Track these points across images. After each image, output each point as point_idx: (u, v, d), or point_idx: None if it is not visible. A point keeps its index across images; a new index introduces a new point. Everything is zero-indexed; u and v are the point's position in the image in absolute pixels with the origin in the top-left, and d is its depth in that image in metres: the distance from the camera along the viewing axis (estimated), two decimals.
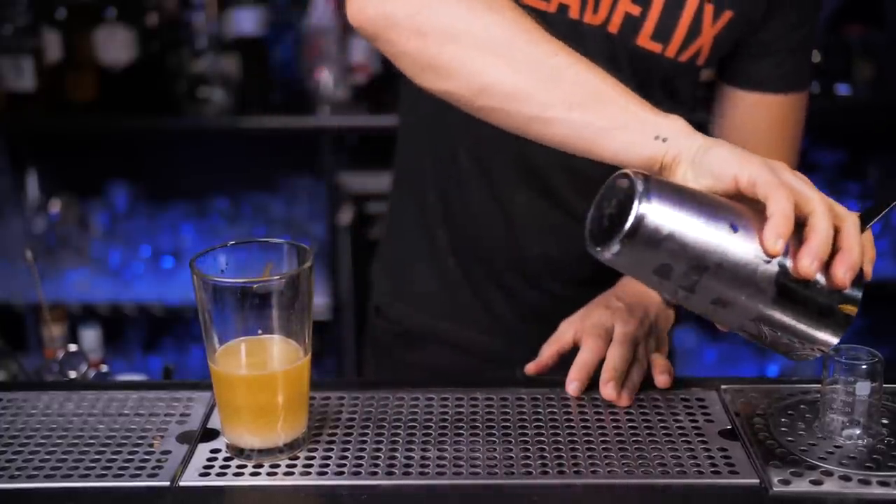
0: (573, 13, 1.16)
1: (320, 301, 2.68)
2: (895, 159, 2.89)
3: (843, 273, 0.83)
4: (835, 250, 0.83)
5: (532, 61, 0.95)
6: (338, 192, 2.69)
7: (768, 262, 0.82)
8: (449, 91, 1.00)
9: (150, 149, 3.05)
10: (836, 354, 0.93)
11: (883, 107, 2.79)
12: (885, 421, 0.95)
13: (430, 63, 0.99)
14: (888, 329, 2.75)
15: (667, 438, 0.95)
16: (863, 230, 0.86)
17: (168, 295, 2.80)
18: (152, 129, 2.85)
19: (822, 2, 1.31)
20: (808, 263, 0.82)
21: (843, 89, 2.75)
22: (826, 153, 2.89)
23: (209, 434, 0.96)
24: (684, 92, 1.25)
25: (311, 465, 0.91)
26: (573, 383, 1.04)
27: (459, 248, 1.37)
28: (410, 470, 0.90)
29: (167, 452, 0.93)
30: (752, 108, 1.25)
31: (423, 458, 0.92)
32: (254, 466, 0.91)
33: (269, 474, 0.90)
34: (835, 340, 0.87)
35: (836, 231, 0.84)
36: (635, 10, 1.17)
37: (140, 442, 0.95)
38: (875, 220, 0.87)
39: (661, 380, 1.05)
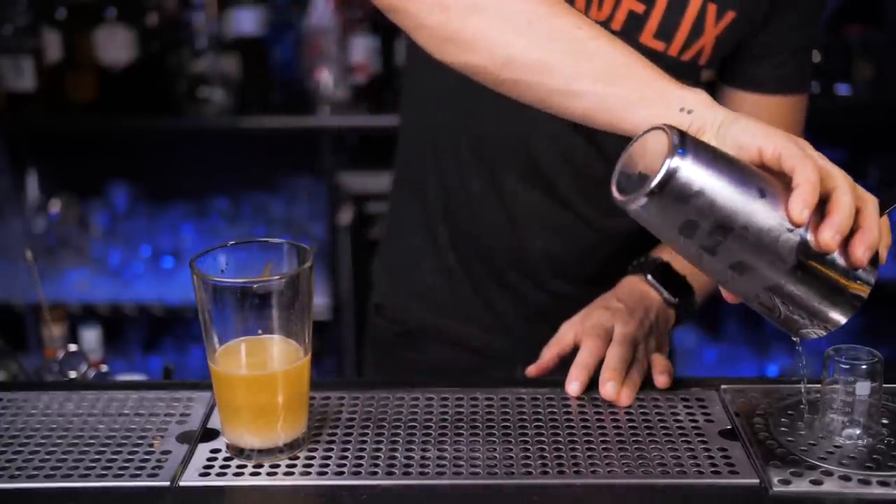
0: (577, 9, 1.16)
1: (320, 301, 2.68)
2: (895, 159, 2.89)
3: (861, 252, 0.83)
4: (854, 229, 0.83)
5: (557, 34, 0.94)
6: (338, 192, 2.69)
7: (791, 231, 0.82)
8: (471, 64, 0.98)
9: (150, 149, 3.05)
10: (836, 354, 0.93)
11: (883, 107, 2.79)
12: (885, 421, 0.95)
13: (453, 36, 0.98)
14: (888, 329, 2.75)
15: (667, 438, 0.95)
16: (880, 216, 0.86)
17: (168, 295, 2.80)
18: (152, 129, 2.85)
19: (825, 3, 1.31)
20: (829, 237, 0.82)
21: (843, 89, 2.75)
22: (826, 153, 2.86)
23: (209, 434, 0.96)
24: None
25: (311, 465, 0.91)
26: (573, 383, 1.04)
27: (460, 245, 1.37)
28: (410, 470, 0.90)
29: (167, 452, 0.93)
30: (753, 109, 1.25)
31: (423, 458, 0.92)
32: (254, 466, 0.91)
33: (269, 474, 0.90)
34: (843, 320, 0.87)
35: (857, 211, 0.84)
36: (639, 8, 1.17)
37: (140, 442, 0.95)
38: (894, 206, 0.87)
39: (661, 380, 1.05)
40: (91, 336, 2.36)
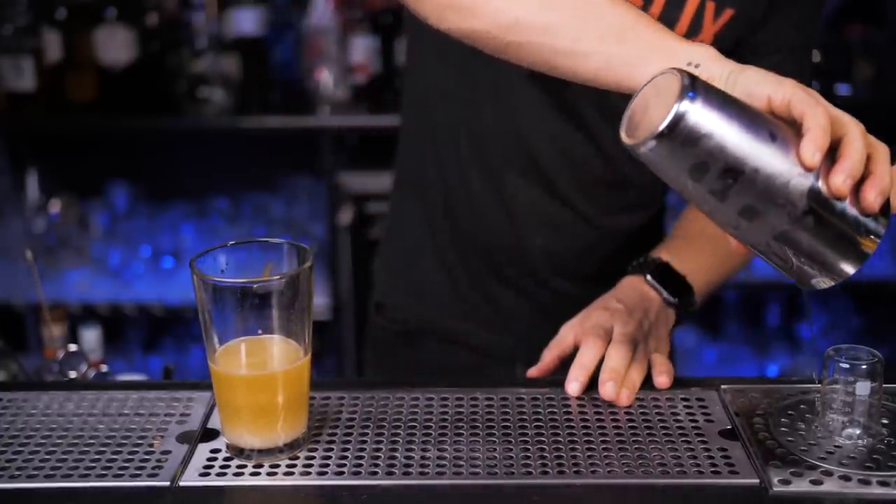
0: None
1: (320, 301, 2.68)
2: (895, 159, 2.88)
3: (873, 196, 0.82)
4: (865, 175, 0.83)
5: None
6: (338, 192, 2.69)
7: (802, 175, 0.81)
8: (474, 29, 0.98)
9: (150, 149, 3.05)
10: (836, 354, 0.93)
11: (883, 107, 2.79)
12: (885, 421, 0.95)
13: (455, 2, 0.98)
14: (888, 329, 2.75)
15: (667, 438, 0.95)
16: (892, 164, 0.85)
17: (168, 295, 2.80)
18: (152, 129, 2.85)
19: (825, 2, 1.30)
20: (841, 180, 0.81)
21: (843, 89, 2.75)
22: None
23: (209, 434, 0.96)
24: None
25: (311, 465, 0.91)
26: (573, 383, 1.04)
27: (460, 243, 1.37)
28: (410, 470, 0.90)
29: (167, 452, 0.93)
30: None
31: (423, 458, 0.92)
32: (254, 466, 0.91)
33: (269, 474, 0.90)
34: (851, 271, 0.86)
35: (868, 157, 0.83)
36: (637, 4, 1.17)
37: (140, 442, 0.95)
38: None
39: (661, 380, 1.05)
40: (91, 336, 2.36)
